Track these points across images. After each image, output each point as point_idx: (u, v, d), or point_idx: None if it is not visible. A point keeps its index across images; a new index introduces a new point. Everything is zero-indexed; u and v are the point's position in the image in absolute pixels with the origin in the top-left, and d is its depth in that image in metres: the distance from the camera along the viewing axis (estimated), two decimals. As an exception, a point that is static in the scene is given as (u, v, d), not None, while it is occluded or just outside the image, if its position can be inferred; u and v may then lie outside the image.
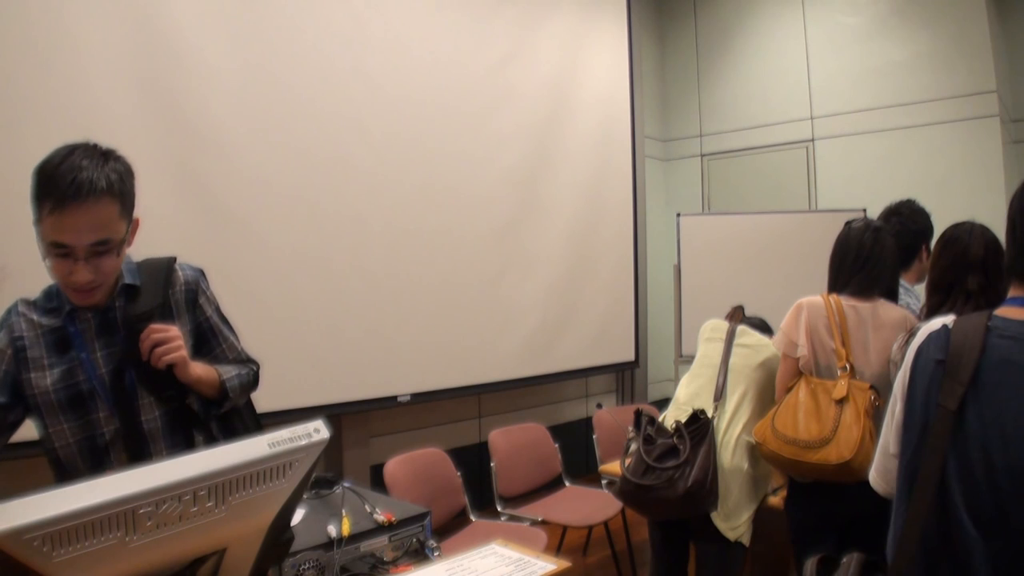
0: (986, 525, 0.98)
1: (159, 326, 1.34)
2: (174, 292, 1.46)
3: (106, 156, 1.29)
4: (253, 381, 1.57)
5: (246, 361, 1.58)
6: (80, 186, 1.21)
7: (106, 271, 1.31)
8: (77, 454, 1.37)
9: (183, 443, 1.45)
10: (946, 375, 1.05)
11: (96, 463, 1.38)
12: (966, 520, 0.99)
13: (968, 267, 1.82)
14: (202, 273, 1.53)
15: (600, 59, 4.93)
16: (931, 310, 1.87)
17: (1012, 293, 1.08)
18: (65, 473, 1.39)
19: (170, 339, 1.33)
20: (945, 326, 1.10)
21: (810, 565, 1.19)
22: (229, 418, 1.52)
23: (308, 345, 3.29)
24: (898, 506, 1.11)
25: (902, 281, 2.37)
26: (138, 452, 1.38)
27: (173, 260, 1.49)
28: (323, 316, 3.35)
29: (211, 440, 1.49)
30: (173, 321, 1.42)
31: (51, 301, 1.40)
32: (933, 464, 1.03)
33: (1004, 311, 1.06)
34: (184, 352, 1.35)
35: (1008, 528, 0.96)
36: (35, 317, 1.39)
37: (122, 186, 1.29)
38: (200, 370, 1.40)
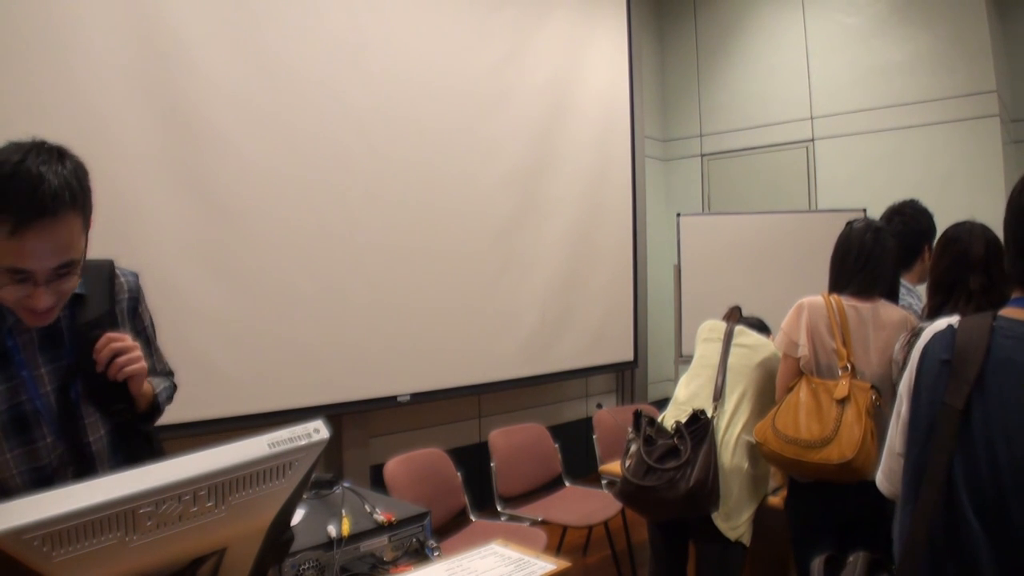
0: (991, 522, 0.99)
1: (116, 335, 1.25)
2: (119, 299, 1.37)
3: (61, 157, 1.14)
4: (173, 395, 1.50)
5: (169, 373, 1.52)
6: (43, 201, 1.07)
7: (66, 292, 1.19)
8: (21, 487, 1.22)
9: (125, 463, 1.32)
10: (952, 375, 1.06)
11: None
12: (972, 517, 1.00)
13: (969, 267, 1.82)
14: (137, 277, 1.44)
15: (600, 59, 4.92)
16: (933, 310, 1.86)
17: (1015, 295, 1.10)
18: None
19: (130, 348, 1.25)
20: (951, 326, 1.11)
21: (817, 564, 1.20)
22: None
23: (308, 345, 3.29)
24: (904, 505, 1.11)
25: (904, 281, 2.36)
26: (87, 476, 1.26)
27: (112, 264, 1.38)
28: (323, 316, 3.35)
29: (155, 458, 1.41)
30: (119, 329, 1.33)
31: None
32: (940, 462, 1.04)
33: (1008, 312, 1.08)
34: (145, 363, 1.28)
35: (1011, 525, 0.97)
36: None
37: (83, 195, 1.16)
38: (146, 383, 1.33)
